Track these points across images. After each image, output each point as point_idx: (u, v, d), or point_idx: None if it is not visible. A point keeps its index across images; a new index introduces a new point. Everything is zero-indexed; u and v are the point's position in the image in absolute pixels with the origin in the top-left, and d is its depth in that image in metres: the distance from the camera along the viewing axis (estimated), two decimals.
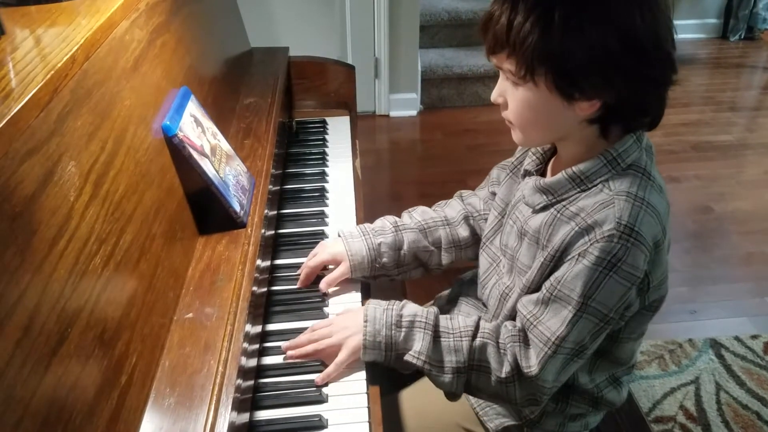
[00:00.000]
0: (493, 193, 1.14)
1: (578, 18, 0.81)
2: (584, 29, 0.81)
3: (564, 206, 0.92)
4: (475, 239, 1.18)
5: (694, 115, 3.51)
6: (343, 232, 1.16)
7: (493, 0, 0.89)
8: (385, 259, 1.13)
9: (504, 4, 0.86)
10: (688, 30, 4.51)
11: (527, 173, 1.02)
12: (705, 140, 3.27)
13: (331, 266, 1.16)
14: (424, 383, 1.14)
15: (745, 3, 4.33)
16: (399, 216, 1.20)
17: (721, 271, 2.38)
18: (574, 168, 0.91)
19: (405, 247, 1.14)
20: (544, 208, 0.95)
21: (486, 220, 1.15)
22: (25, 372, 0.59)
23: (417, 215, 1.19)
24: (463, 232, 1.17)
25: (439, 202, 1.23)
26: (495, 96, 0.94)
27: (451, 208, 1.21)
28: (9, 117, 0.63)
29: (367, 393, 0.96)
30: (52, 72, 0.73)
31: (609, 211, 0.86)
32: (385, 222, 1.17)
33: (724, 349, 2.00)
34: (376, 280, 1.17)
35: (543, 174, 1.02)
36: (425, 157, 3.26)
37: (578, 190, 0.91)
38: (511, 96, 0.91)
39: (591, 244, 0.86)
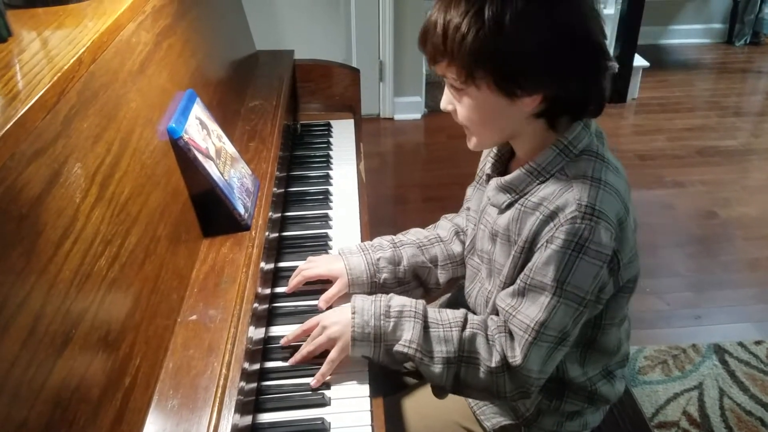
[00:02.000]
0: (469, 208, 1.15)
1: (509, 15, 0.83)
2: (516, 26, 0.83)
3: (526, 199, 0.93)
4: None
5: (699, 120, 3.50)
6: (342, 249, 1.16)
7: (429, 13, 0.90)
8: (385, 275, 1.13)
9: (438, 12, 0.87)
10: (694, 35, 4.50)
11: (489, 177, 1.04)
12: (710, 145, 3.26)
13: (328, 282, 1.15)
14: (423, 386, 1.15)
15: (751, 8, 4.32)
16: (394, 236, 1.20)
17: (726, 276, 2.37)
18: (530, 162, 0.93)
19: (404, 262, 1.14)
20: (509, 206, 0.96)
21: None
22: (29, 373, 0.59)
23: (411, 235, 1.20)
24: (457, 248, 1.18)
25: (430, 225, 1.24)
26: (444, 104, 0.96)
27: (442, 228, 1.22)
28: (16, 119, 0.63)
29: (369, 396, 0.96)
30: (59, 74, 0.73)
31: (569, 195, 0.88)
32: (382, 240, 1.17)
33: (728, 355, 1.99)
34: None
35: (504, 175, 1.03)
36: (429, 160, 3.26)
37: (537, 182, 0.93)
38: (458, 102, 0.93)
39: (556, 229, 0.88)
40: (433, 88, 3.58)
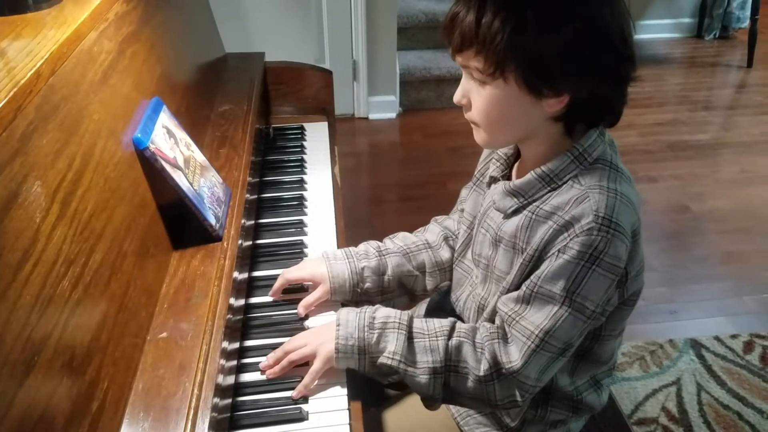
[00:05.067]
0: (463, 210, 1.13)
1: (550, 14, 0.81)
2: (556, 25, 0.81)
3: (537, 207, 0.91)
4: None
5: (669, 114, 3.53)
6: (327, 253, 1.13)
7: (456, 1, 0.88)
8: (368, 284, 1.11)
9: (470, 2, 0.85)
10: (663, 29, 4.54)
11: (493, 180, 1.02)
12: (681, 140, 3.29)
13: (308, 284, 1.13)
14: (405, 397, 1.13)
15: (720, 2, 4.37)
16: (381, 241, 1.18)
17: (700, 270, 2.40)
18: (542, 167, 0.91)
19: (389, 272, 1.12)
20: (516, 212, 0.94)
21: None
22: None
23: (399, 240, 1.17)
24: (445, 254, 1.16)
25: (419, 229, 1.22)
26: (458, 97, 0.93)
27: (431, 233, 1.19)
28: None
29: (348, 409, 0.94)
30: (16, 89, 0.70)
31: (585, 205, 0.86)
32: (369, 247, 1.15)
33: (705, 349, 2.01)
34: (358, 305, 1.14)
35: (509, 179, 1.01)
36: (405, 160, 3.24)
37: (549, 189, 0.91)
38: (476, 95, 0.90)
39: (571, 239, 0.86)
40: (408, 87, 3.57)
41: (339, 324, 0.95)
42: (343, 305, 1.12)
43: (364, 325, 0.95)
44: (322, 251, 1.15)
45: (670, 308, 2.20)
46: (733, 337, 2.06)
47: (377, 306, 0.99)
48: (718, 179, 2.98)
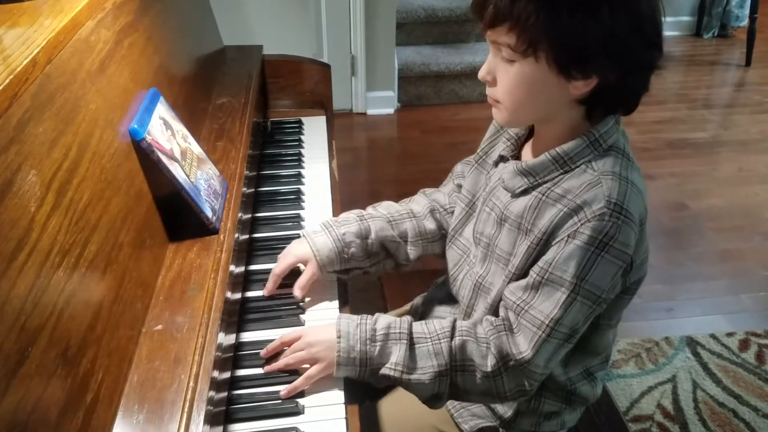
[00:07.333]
0: (459, 186, 1.12)
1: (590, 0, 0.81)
2: (593, 8, 0.81)
3: (548, 188, 0.91)
4: (442, 234, 1.16)
5: (668, 112, 3.53)
6: (306, 230, 1.12)
7: None
8: (353, 249, 1.10)
9: None
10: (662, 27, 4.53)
11: (502, 159, 1.01)
12: (680, 137, 3.29)
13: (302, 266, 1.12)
14: (401, 390, 1.13)
15: (719, 0, 4.36)
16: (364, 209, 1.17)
17: (697, 268, 2.40)
18: (557, 149, 0.91)
19: (372, 235, 1.11)
20: (525, 192, 0.94)
21: (452, 214, 1.13)
22: None
23: (382, 208, 1.17)
24: (430, 225, 1.15)
25: (404, 199, 1.21)
26: (483, 73, 0.92)
27: (417, 203, 1.19)
28: None
29: (344, 403, 0.94)
30: (11, 77, 0.69)
31: (598, 191, 0.86)
32: (349, 214, 1.14)
33: (701, 347, 2.01)
34: (349, 274, 1.13)
35: (518, 159, 1.01)
36: (403, 156, 3.24)
37: (561, 171, 0.91)
38: (503, 73, 0.89)
39: (582, 224, 0.86)
40: (406, 83, 3.56)
41: (340, 336, 0.94)
42: (339, 288, 1.12)
43: (366, 338, 0.94)
44: (301, 232, 1.14)
45: (667, 306, 2.20)
46: (729, 335, 2.06)
47: (377, 316, 0.98)
48: (716, 177, 2.97)
